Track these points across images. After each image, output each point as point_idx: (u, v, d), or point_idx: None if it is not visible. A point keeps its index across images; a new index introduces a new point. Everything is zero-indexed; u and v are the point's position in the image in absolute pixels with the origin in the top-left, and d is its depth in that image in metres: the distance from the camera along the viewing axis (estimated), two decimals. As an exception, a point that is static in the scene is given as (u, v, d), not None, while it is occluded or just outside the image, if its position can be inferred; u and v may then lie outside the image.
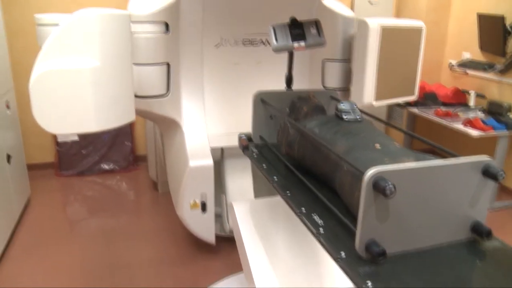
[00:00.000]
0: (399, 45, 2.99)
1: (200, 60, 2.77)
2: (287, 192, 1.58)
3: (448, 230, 1.26)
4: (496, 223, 3.68)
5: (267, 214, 2.22)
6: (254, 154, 1.98)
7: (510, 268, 1.20)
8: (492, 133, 3.64)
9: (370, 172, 1.08)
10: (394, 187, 1.06)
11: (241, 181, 2.91)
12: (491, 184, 1.26)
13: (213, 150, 2.77)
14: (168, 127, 2.87)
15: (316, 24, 2.07)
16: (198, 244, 3.17)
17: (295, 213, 1.45)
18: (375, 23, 2.76)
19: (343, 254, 1.20)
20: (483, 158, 1.23)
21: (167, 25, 2.52)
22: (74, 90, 2.04)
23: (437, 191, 1.20)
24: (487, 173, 1.23)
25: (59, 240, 3.24)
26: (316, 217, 1.39)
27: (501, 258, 1.24)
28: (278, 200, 2.30)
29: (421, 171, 1.15)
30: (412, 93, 3.27)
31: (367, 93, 2.86)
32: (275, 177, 1.71)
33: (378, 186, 1.08)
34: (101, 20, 2.05)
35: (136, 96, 2.51)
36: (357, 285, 1.10)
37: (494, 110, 4.00)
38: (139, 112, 2.61)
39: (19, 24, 4.05)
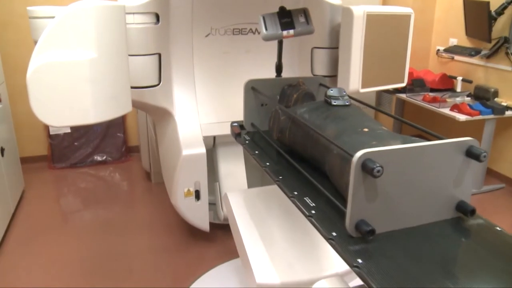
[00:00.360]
0: (386, 32, 3.00)
1: (191, 50, 2.80)
2: (280, 177, 1.63)
3: (434, 209, 1.32)
4: (484, 206, 3.77)
5: (260, 202, 2.27)
6: (246, 141, 2.02)
7: (492, 243, 1.26)
8: (478, 117, 3.71)
9: (359, 154, 1.13)
10: (382, 168, 1.11)
11: (233, 168, 2.95)
12: (474, 165, 1.31)
13: (205, 139, 2.81)
14: (161, 117, 2.90)
15: (305, 12, 2.11)
16: (192, 232, 3.22)
17: (288, 196, 1.50)
18: (360, 10, 2.79)
19: (334, 234, 1.25)
20: (467, 139, 1.28)
21: (157, 16, 2.54)
22: (72, 82, 2.04)
23: (423, 171, 1.25)
24: (470, 153, 1.28)
25: (54, 232, 3.28)
26: (308, 200, 1.44)
27: (485, 234, 1.30)
28: (271, 189, 2.36)
29: (407, 152, 1.20)
30: (401, 80, 3.29)
31: (353, 80, 2.89)
32: (267, 163, 1.75)
33: (366, 167, 1.13)
34: (97, 11, 2.06)
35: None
36: (348, 262, 1.15)
37: (481, 95, 4.07)
38: (132, 103, 2.64)
39: (8, 17, 4.04)
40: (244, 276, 2.64)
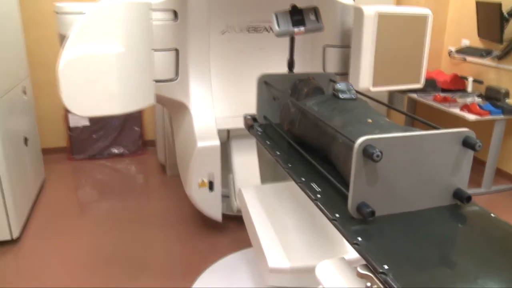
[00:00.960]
0: (401, 32, 3.03)
1: (207, 47, 2.91)
2: (289, 164, 1.73)
3: (432, 195, 1.41)
4: (493, 205, 3.83)
5: (273, 196, 2.38)
6: (258, 132, 2.13)
7: (486, 228, 1.35)
8: (488, 117, 3.77)
9: (360, 140, 1.23)
10: (381, 153, 1.21)
11: (247, 159, 3.05)
12: (470, 154, 1.40)
13: (220, 132, 2.92)
14: (177, 110, 3.02)
15: (315, 10, 2.21)
16: (205, 223, 3.33)
17: (296, 182, 1.60)
18: (372, 10, 2.85)
19: (337, 215, 1.35)
20: (463, 130, 1.37)
21: (175, 13, 2.66)
22: (100, 74, 2.18)
23: (422, 159, 1.34)
24: (466, 143, 1.37)
25: (72, 220, 3.42)
26: (314, 185, 1.54)
27: (479, 219, 1.39)
28: (283, 185, 2.47)
29: (406, 140, 1.29)
30: (418, 81, 3.26)
31: (363, 78, 2.96)
32: (278, 152, 1.85)
33: (367, 152, 1.22)
34: (126, 8, 2.21)
35: None
36: (349, 241, 1.25)
37: (492, 96, 4.12)
38: None
39: (33, 15, 4.21)
40: (255, 264, 2.74)
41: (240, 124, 2.49)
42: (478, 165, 4.21)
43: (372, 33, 2.87)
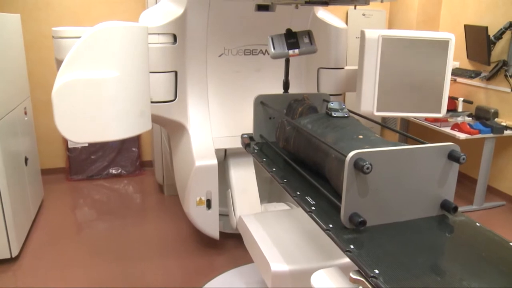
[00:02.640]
0: (416, 57, 2.82)
1: (205, 69, 3.00)
2: (284, 180, 1.81)
3: (421, 206, 1.49)
4: (485, 222, 3.88)
5: (273, 220, 2.45)
6: (255, 150, 2.21)
7: (471, 236, 1.43)
8: (478, 136, 3.87)
9: (351, 153, 1.31)
10: (371, 165, 1.30)
11: (244, 175, 3.09)
12: (456, 167, 1.49)
13: (217, 152, 2.99)
14: (176, 130, 3.10)
15: (309, 34, 2.32)
16: (203, 241, 3.38)
17: (291, 196, 1.68)
18: (375, 33, 2.81)
19: (331, 225, 1.42)
20: (448, 144, 1.46)
21: (175, 37, 2.76)
22: (95, 99, 2.15)
23: (410, 172, 1.43)
24: (452, 156, 1.46)
25: (71, 239, 3.46)
26: (309, 199, 1.62)
27: (465, 228, 1.47)
28: (283, 212, 2.54)
29: (394, 153, 1.38)
30: (437, 110, 2.93)
31: (365, 102, 2.92)
32: (273, 168, 1.93)
33: (357, 165, 1.31)
34: (122, 32, 2.22)
35: None
36: (342, 249, 1.32)
37: (482, 115, 4.24)
38: None
39: (34, 37, 4.32)
40: (252, 280, 2.79)
41: (237, 143, 2.55)
42: (470, 183, 4.30)
43: (375, 56, 2.81)
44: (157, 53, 2.71)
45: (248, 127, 2.55)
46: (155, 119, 2.96)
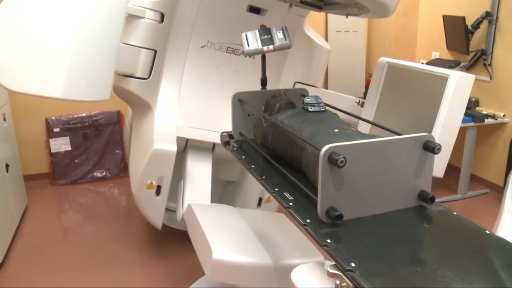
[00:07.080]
0: (412, 88, 2.67)
1: (184, 56, 2.96)
2: (263, 176, 1.80)
3: (398, 198, 1.49)
4: (469, 210, 3.93)
5: (221, 213, 2.46)
6: (234, 148, 2.20)
7: (448, 225, 1.43)
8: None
9: (325, 148, 1.31)
10: (345, 159, 1.29)
11: (200, 170, 3.02)
12: (432, 157, 1.49)
13: (178, 140, 2.91)
14: (140, 108, 3.02)
15: (283, 29, 2.30)
16: (189, 243, 3.36)
17: (270, 192, 1.68)
18: (383, 60, 2.77)
19: (308, 220, 1.42)
20: (423, 134, 1.46)
21: (162, 16, 2.73)
22: (47, 44, 1.83)
23: (385, 163, 1.42)
24: (427, 147, 1.46)
25: (56, 244, 3.43)
26: (287, 194, 1.62)
27: (443, 218, 1.47)
28: (233, 208, 2.57)
29: (368, 146, 1.38)
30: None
31: (361, 126, 2.82)
32: (252, 165, 1.93)
33: (331, 159, 1.30)
34: None
35: (118, 73, 2.69)
36: (320, 243, 1.32)
37: (463, 105, 4.27)
38: (116, 89, 2.80)
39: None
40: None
41: (200, 136, 2.49)
42: (454, 172, 4.33)
43: (378, 82, 2.79)
44: (142, 28, 2.68)
45: (214, 121, 2.63)
46: (122, 93, 2.89)
